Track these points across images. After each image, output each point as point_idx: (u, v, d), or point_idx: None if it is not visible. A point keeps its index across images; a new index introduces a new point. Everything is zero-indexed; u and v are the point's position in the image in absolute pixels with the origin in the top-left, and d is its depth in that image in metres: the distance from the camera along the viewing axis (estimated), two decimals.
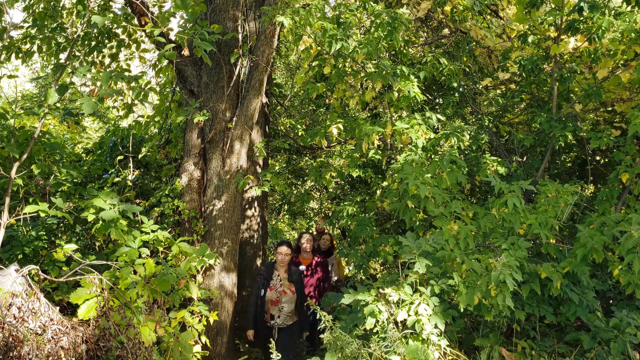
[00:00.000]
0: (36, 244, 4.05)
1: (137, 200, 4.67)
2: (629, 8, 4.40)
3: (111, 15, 4.22)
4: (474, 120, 6.05)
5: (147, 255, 3.56)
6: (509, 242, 3.48)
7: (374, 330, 3.26)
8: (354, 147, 5.17)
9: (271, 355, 2.98)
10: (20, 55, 4.64)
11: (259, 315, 4.39)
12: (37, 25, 4.47)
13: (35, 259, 4.01)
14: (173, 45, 4.23)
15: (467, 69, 6.01)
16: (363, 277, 4.70)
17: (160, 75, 5.70)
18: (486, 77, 6.04)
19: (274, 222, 9.51)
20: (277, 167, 8.58)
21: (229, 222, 4.56)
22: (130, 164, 4.91)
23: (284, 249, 4.52)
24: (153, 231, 3.83)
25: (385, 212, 5.37)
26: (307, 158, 7.72)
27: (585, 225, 3.59)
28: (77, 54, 4.91)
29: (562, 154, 5.64)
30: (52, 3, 4.65)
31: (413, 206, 3.98)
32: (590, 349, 3.46)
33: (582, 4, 4.26)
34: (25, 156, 3.45)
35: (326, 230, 5.83)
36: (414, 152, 4.22)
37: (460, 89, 5.67)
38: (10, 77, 4.28)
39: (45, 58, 4.94)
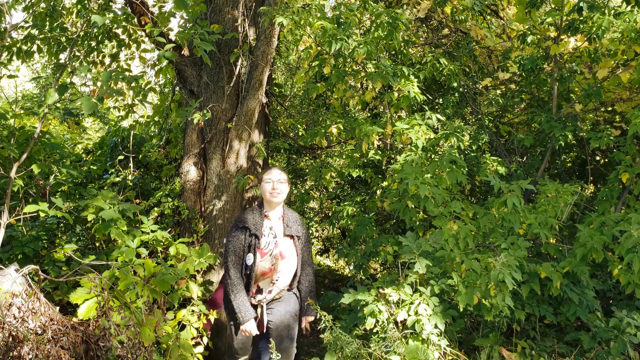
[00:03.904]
0: (36, 244, 4.05)
1: (137, 200, 4.67)
2: (628, 8, 4.39)
3: (111, 15, 4.22)
4: (474, 120, 6.04)
5: (146, 256, 3.56)
6: (509, 242, 3.48)
7: (374, 330, 3.26)
8: (354, 147, 5.17)
9: (271, 356, 2.78)
10: (20, 55, 4.64)
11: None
12: (37, 26, 4.47)
13: (35, 259, 4.01)
14: (173, 45, 4.23)
15: (467, 69, 6.01)
16: (363, 277, 4.69)
17: (160, 75, 5.70)
18: (486, 77, 6.04)
19: None
20: None
21: (229, 222, 4.56)
22: (131, 164, 4.91)
23: (275, 174, 2.93)
24: (153, 231, 3.84)
25: (385, 212, 5.36)
26: (307, 158, 7.71)
27: (585, 225, 3.59)
28: (77, 54, 4.91)
29: (562, 154, 5.64)
30: (52, 3, 4.65)
31: (413, 206, 3.98)
32: (590, 349, 3.46)
33: (581, 3, 4.26)
34: (25, 156, 3.45)
35: None
36: (414, 152, 4.22)
37: (460, 89, 5.66)
38: (10, 77, 4.29)
39: (47, 57, 4.94)
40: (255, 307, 2.97)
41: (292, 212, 3.10)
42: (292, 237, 3.00)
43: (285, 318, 3.04)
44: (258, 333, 2.93)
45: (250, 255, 2.85)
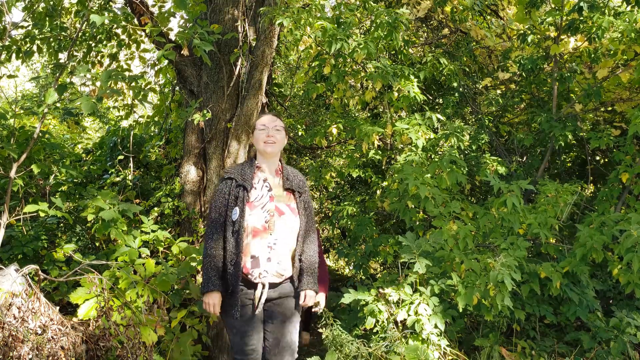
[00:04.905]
0: (36, 244, 4.05)
1: (137, 200, 4.67)
2: (628, 8, 4.40)
3: (111, 14, 4.21)
4: (474, 120, 6.04)
5: (147, 255, 3.56)
6: (509, 242, 3.48)
7: (374, 330, 3.26)
8: (354, 147, 5.17)
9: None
10: (20, 55, 4.64)
11: (229, 262, 2.35)
12: (37, 25, 4.47)
13: (35, 259, 4.01)
14: (173, 45, 4.23)
15: (467, 69, 6.01)
16: (363, 277, 4.70)
17: (160, 75, 5.70)
18: (486, 77, 6.04)
19: None
20: None
21: None
22: (131, 164, 4.91)
23: (269, 120, 2.52)
24: (153, 231, 3.84)
25: (385, 212, 5.36)
26: (307, 158, 7.71)
27: (585, 225, 3.59)
28: (76, 54, 4.91)
29: (562, 154, 5.64)
30: (51, 3, 4.65)
31: (413, 206, 3.98)
32: (590, 349, 3.46)
33: (581, 3, 4.26)
34: (25, 156, 3.45)
35: None
36: (414, 152, 4.22)
37: (460, 89, 5.66)
38: (10, 77, 4.29)
39: (47, 56, 4.94)
40: (254, 285, 2.38)
41: (292, 168, 2.63)
42: (292, 191, 2.50)
43: (287, 334, 2.50)
44: (219, 312, 2.40)
45: (237, 209, 2.34)
